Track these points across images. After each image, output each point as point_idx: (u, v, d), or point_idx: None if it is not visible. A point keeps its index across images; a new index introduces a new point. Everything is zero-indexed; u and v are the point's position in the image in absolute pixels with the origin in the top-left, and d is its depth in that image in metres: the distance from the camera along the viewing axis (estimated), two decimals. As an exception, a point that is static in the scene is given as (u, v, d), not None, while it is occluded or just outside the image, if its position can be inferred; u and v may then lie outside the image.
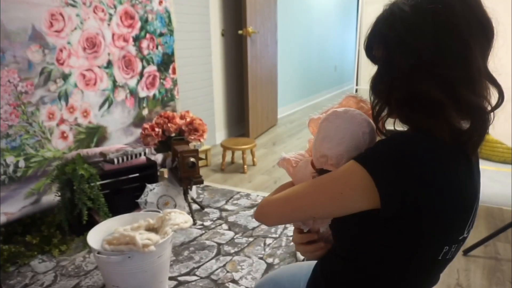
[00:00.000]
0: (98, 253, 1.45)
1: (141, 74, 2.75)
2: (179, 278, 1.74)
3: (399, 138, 0.68)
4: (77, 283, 1.73)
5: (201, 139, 2.42)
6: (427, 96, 0.67)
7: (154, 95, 2.86)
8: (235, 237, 2.10)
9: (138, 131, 2.74)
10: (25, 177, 2.12)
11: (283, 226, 2.21)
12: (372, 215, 0.68)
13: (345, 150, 0.75)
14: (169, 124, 2.35)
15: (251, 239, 2.08)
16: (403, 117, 0.73)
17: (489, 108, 0.70)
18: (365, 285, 0.78)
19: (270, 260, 1.88)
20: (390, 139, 0.69)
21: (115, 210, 1.96)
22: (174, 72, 3.00)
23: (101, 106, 2.51)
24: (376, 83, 0.74)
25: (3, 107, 1.99)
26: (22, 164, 2.10)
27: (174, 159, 2.27)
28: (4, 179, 2.03)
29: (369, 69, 0.77)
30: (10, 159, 2.05)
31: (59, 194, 2.07)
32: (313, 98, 6.30)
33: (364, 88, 4.38)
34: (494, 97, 0.70)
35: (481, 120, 0.69)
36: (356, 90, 4.45)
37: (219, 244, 2.03)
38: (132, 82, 2.69)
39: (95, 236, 1.57)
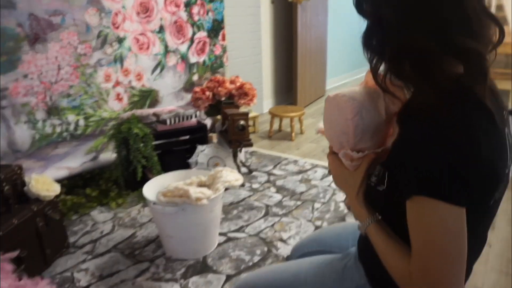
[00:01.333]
0: (154, 203, 1.50)
1: (192, 40, 2.77)
2: (229, 234, 1.79)
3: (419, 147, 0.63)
4: (133, 233, 1.82)
5: (251, 104, 2.42)
6: (419, 45, 0.64)
7: (204, 61, 2.89)
8: (283, 200, 2.11)
9: (188, 96, 2.79)
10: (84, 135, 2.23)
11: (331, 191, 2.19)
12: None
13: (334, 135, 0.78)
14: (219, 88, 2.36)
15: (299, 203, 2.08)
16: (398, 71, 0.68)
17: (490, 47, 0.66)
18: None
19: (318, 223, 1.88)
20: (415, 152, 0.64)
21: (167, 169, 2.02)
22: (223, 38, 2.99)
23: (153, 71, 2.56)
24: (367, 39, 0.71)
25: (64, 68, 2.08)
26: (81, 122, 2.21)
27: (224, 122, 2.29)
28: (66, 136, 2.15)
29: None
30: (71, 117, 2.16)
31: (116, 151, 2.17)
32: (363, 70, 6.10)
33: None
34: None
35: (476, 64, 0.64)
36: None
37: (267, 206, 2.05)
38: (183, 48, 2.72)
39: (151, 189, 1.63)
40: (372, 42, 0.70)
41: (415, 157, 0.63)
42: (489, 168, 0.66)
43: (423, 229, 0.66)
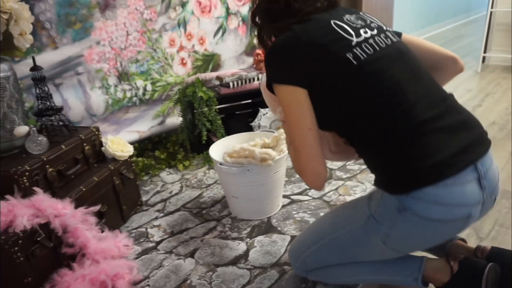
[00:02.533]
0: (220, 164, 1.54)
1: (253, 2, 2.71)
2: (292, 197, 1.80)
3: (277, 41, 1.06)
4: (200, 193, 1.90)
5: (313, 66, 2.35)
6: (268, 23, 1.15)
7: (265, 23, 2.83)
8: (347, 164, 2.07)
9: (249, 60, 2.77)
10: (152, 100, 2.32)
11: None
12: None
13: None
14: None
15: (363, 167, 2.03)
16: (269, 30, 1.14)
17: None
18: (385, 143, 0.97)
19: (384, 187, 1.82)
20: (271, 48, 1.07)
21: (230, 133, 2.05)
22: (284, -2, 2.90)
23: (215, 34, 2.57)
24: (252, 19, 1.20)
25: (132, 34, 2.15)
26: (149, 87, 2.29)
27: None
28: (135, 101, 2.25)
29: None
30: (139, 83, 2.25)
31: (181, 115, 2.24)
32: (434, 28, 5.67)
33: (502, 11, 3.76)
34: None
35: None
36: (491, 15, 3.85)
37: (330, 169, 2.03)
38: (244, 10, 2.68)
39: (216, 151, 1.67)
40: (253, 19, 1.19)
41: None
42: (315, 47, 0.99)
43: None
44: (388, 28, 1.10)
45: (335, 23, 1.02)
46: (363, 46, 1.00)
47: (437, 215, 0.92)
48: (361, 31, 1.03)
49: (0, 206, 1.19)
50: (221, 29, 2.58)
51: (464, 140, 0.94)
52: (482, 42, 3.93)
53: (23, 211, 1.20)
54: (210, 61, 2.58)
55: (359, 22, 1.05)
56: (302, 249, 1.21)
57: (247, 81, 2.31)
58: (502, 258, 1.08)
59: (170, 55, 2.35)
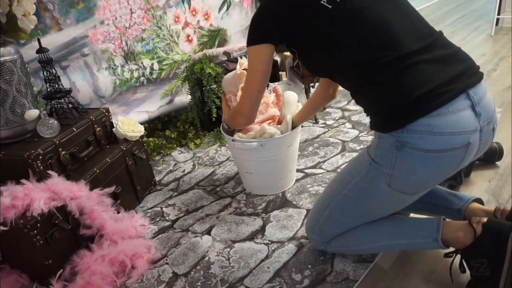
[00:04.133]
0: (233, 140, 1.52)
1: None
2: (306, 171, 1.78)
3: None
4: (213, 171, 1.89)
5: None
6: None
7: (270, -6, 2.75)
8: (360, 135, 2.04)
9: (256, 34, 2.71)
10: (159, 79, 2.29)
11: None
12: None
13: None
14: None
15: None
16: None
17: None
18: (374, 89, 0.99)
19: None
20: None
21: (241, 107, 2.03)
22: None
23: (220, 9, 2.50)
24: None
25: (136, 12, 2.10)
26: (156, 66, 2.26)
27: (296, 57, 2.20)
28: (143, 80, 2.22)
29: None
30: (146, 62, 2.21)
31: (190, 93, 2.21)
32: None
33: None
34: None
35: None
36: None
37: (343, 141, 2.00)
38: (248, -18, 2.60)
39: (227, 128, 1.65)
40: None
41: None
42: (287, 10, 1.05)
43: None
44: None
45: None
46: None
47: (435, 145, 0.92)
48: None
49: (16, 191, 1.20)
50: (226, 3, 2.52)
51: (454, 71, 0.94)
52: (495, 4, 3.79)
53: (40, 195, 1.20)
54: (216, 36, 2.53)
55: None
56: (316, 217, 1.20)
57: (255, 55, 2.25)
58: None
59: (176, 32, 2.31)
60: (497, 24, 3.84)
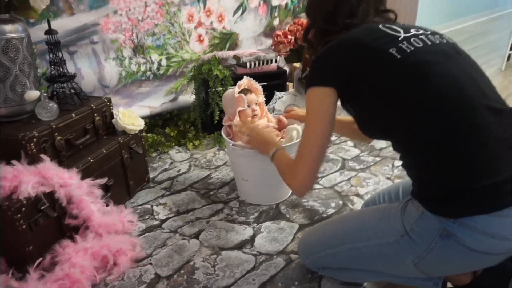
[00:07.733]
0: (233, 145, 1.49)
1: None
2: (303, 185, 1.75)
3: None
4: (208, 174, 1.86)
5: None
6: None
7: (286, 4, 2.74)
8: (360, 155, 2.01)
9: (267, 42, 2.70)
10: (166, 76, 2.27)
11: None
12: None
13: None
14: (302, 32, 2.23)
15: (378, 159, 1.96)
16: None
17: None
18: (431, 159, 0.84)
19: (397, 182, 1.76)
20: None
21: (244, 113, 2.01)
22: (308, -20, 2.80)
23: (235, 12, 2.49)
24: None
25: (150, 6, 2.09)
26: (164, 62, 2.24)
27: (305, 69, 2.19)
28: (149, 75, 2.20)
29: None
30: (154, 57, 2.19)
31: (195, 93, 2.18)
32: (459, 22, 5.49)
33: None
34: None
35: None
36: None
37: (343, 159, 1.97)
38: (266, -11, 2.59)
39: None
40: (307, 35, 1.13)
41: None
42: (357, 46, 0.92)
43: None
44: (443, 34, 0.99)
45: (383, 26, 0.94)
46: (412, 40, 0.89)
47: (483, 246, 0.81)
48: (412, 29, 0.94)
49: (5, 172, 1.16)
50: (241, 8, 2.51)
51: None
52: (507, 40, 3.79)
53: (29, 178, 1.17)
54: (227, 39, 2.51)
55: (412, 26, 0.97)
56: (317, 248, 1.13)
57: (265, 62, 2.24)
58: None
59: (188, 30, 2.29)
60: (508, 59, 3.84)
